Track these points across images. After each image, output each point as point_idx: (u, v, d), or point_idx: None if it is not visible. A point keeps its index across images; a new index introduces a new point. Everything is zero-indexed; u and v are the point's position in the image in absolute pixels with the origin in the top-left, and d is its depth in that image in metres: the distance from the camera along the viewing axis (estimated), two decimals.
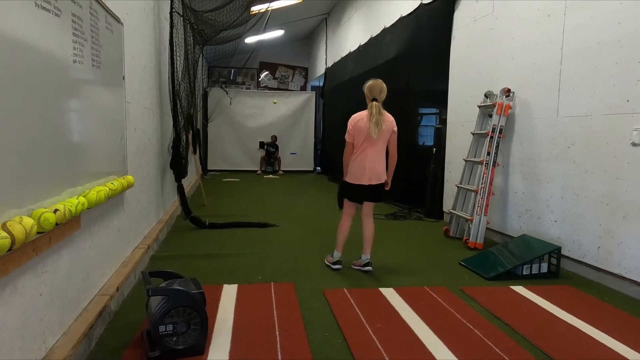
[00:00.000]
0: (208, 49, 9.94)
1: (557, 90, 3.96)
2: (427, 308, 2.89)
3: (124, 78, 3.15)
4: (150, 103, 4.35)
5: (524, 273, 3.60)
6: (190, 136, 6.39)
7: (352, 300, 2.98)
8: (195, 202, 6.72)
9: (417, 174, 6.52)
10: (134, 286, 3.19)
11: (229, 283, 3.28)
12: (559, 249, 3.66)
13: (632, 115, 3.24)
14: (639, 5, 3.19)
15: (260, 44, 11.92)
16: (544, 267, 3.64)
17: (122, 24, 3.10)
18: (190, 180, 8.00)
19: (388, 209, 6.63)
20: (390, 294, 3.14)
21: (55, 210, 1.82)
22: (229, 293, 3.08)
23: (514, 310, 2.90)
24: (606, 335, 2.55)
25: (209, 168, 12.34)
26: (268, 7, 7.69)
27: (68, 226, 2.10)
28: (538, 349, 2.38)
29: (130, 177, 3.14)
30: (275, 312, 2.78)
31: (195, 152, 7.62)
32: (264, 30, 10.36)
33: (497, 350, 2.34)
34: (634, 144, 3.23)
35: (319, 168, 13.36)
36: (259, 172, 12.52)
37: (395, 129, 3.65)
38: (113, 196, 2.67)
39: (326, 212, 6.62)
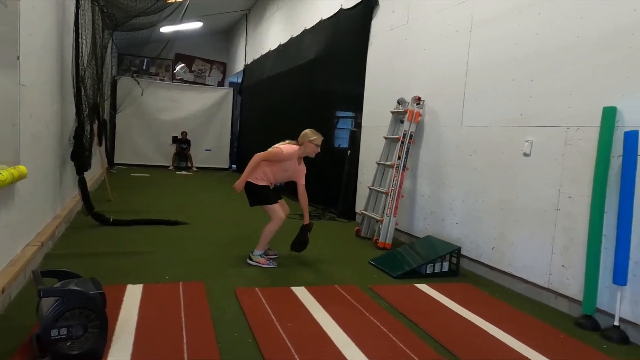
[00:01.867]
0: (119, 35, 9.35)
1: (462, 101, 4.25)
2: (337, 306, 2.95)
3: (18, 58, 2.86)
4: (50, 88, 3.99)
5: (428, 272, 3.81)
6: (95, 126, 5.97)
7: (263, 299, 2.96)
8: (99, 197, 6.28)
9: (332, 175, 6.66)
10: (23, 287, 2.90)
11: (134, 283, 3.11)
12: (458, 249, 3.93)
13: (525, 128, 3.57)
14: (533, 29, 3.52)
15: (176, 34, 11.46)
16: (446, 266, 3.89)
17: None
18: (95, 174, 7.46)
19: None
20: (301, 292, 3.16)
21: None
22: (133, 293, 2.91)
23: (418, 308, 3.06)
24: (497, 329, 2.77)
25: (116, 161, 11.60)
26: None
27: None
28: (438, 343, 2.53)
29: (22, 168, 2.85)
30: (183, 312, 2.67)
31: (100, 144, 7.14)
32: (181, 21, 9.97)
33: (401, 345, 2.45)
34: (525, 154, 3.56)
35: (234, 166, 13.13)
36: (171, 167, 12.02)
37: None
38: (1, 187, 2.41)
39: (240, 210, 6.52)
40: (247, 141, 12.04)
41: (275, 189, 4.01)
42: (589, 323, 2.90)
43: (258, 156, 3.74)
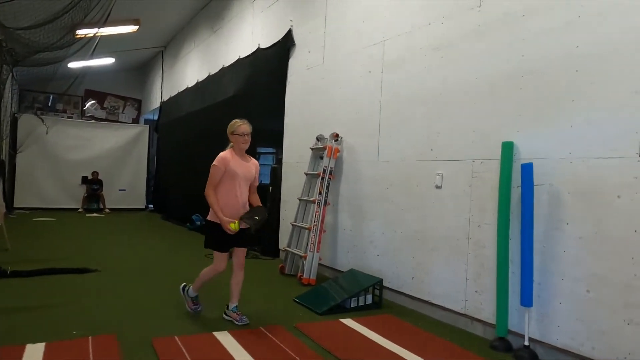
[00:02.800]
0: (20, 70, 8.74)
1: (377, 137, 4.44)
2: (262, 349, 2.86)
3: None
4: None
5: (352, 305, 3.84)
6: None
7: (183, 349, 2.80)
8: None
9: None
10: None
11: (35, 342, 2.79)
12: (380, 281, 4.01)
13: (435, 162, 3.80)
14: (438, 71, 3.81)
15: (87, 70, 10.94)
16: (369, 299, 3.94)
17: None
18: None
19: None
20: (225, 338, 3.03)
21: None
22: (34, 354, 2.62)
23: (343, 343, 3.05)
24: (419, 357, 2.83)
25: (15, 206, 10.60)
26: (97, 32, 7.14)
27: None
28: None
29: None
30: None
31: None
32: (92, 56, 9.54)
33: None
34: (437, 187, 3.76)
35: (151, 206, 12.55)
36: (80, 210, 11.21)
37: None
38: None
39: (159, 254, 6.21)
40: (165, 180, 11.60)
41: (236, 236, 3.29)
42: (502, 345, 3.06)
43: (208, 186, 3.31)
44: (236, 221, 3.17)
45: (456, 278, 3.55)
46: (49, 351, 2.68)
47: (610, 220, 2.63)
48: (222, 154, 3.38)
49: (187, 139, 9.70)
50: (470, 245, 3.46)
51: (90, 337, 2.92)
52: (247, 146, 3.43)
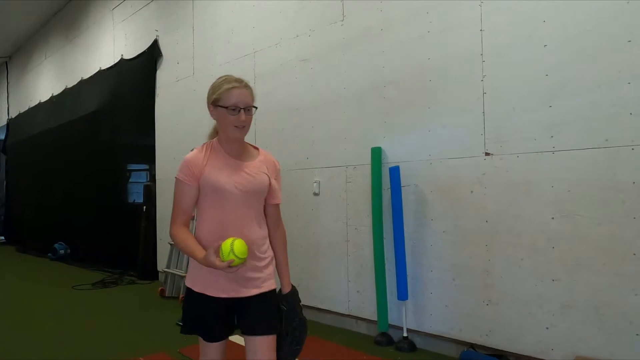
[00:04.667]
0: None
1: None
2: None
3: None
4: None
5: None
6: None
7: None
8: None
9: (128, 234, 6.12)
10: None
11: None
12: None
13: (312, 170, 3.90)
14: (308, 82, 3.92)
15: None
16: None
17: None
18: None
19: (96, 276, 5.94)
20: None
21: None
22: None
23: None
24: None
25: None
26: None
27: None
28: None
29: None
30: None
31: None
32: None
33: None
34: (315, 194, 3.87)
35: (2, 237, 10.98)
36: None
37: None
38: None
39: (16, 292, 5.44)
40: (18, 207, 10.25)
41: (244, 306, 1.72)
42: (385, 339, 3.24)
43: (172, 221, 1.72)
44: (233, 247, 1.50)
45: (339, 280, 3.67)
46: None
47: (467, 214, 2.93)
48: (189, 154, 1.78)
49: (44, 159, 8.70)
50: (349, 247, 3.60)
51: None
52: (245, 132, 1.80)
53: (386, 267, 3.29)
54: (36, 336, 3.62)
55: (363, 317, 3.50)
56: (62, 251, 7.60)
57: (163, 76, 5.66)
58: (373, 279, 3.36)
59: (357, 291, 3.54)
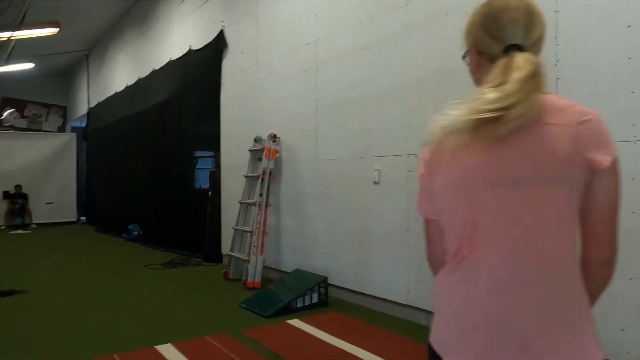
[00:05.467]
0: None
1: (315, 136, 4.46)
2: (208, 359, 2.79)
3: None
4: None
5: (298, 305, 3.83)
6: None
7: None
8: None
9: (195, 219, 6.41)
10: None
11: None
12: (325, 279, 4.04)
13: (373, 158, 3.87)
14: (369, 69, 3.88)
15: (3, 76, 10.17)
16: (315, 298, 3.95)
17: None
18: None
19: (165, 257, 6.29)
20: (168, 350, 2.93)
21: None
22: None
23: (291, 345, 3.05)
24: (365, 351, 2.88)
25: None
26: (11, 36, 6.64)
27: None
28: None
29: None
30: None
31: None
32: (7, 62, 8.88)
33: None
34: (375, 183, 3.84)
35: (84, 218, 11.88)
36: (2, 227, 10.42)
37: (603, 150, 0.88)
38: None
39: (95, 267, 5.89)
40: (97, 190, 11.04)
41: None
42: None
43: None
44: None
45: (398, 270, 3.64)
46: None
47: None
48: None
49: (120, 146, 9.29)
50: (410, 237, 3.56)
51: None
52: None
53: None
54: (111, 309, 3.91)
55: (423, 307, 3.46)
56: (135, 232, 8.12)
57: (228, 66, 5.82)
58: None
59: (417, 282, 3.49)
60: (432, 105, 3.39)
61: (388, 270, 3.72)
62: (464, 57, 1.05)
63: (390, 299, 3.70)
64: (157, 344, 3.03)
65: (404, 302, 3.59)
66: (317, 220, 4.44)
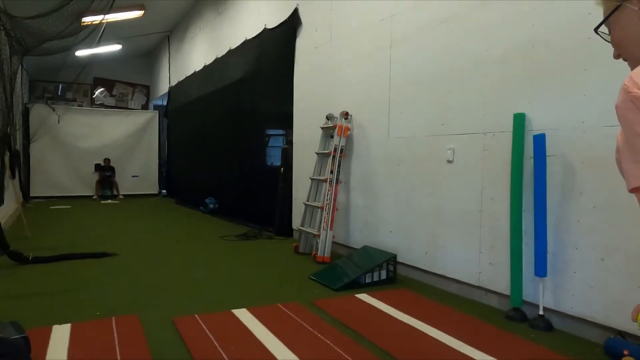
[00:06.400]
0: (30, 61, 8.79)
1: (387, 113, 4.43)
2: (280, 325, 2.93)
3: None
4: None
5: (367, 281, 3.89)
6: (7, 158, 5.54)
7: (204, 326, 2.87)
8: (14, 234, 5.80)
9: (267, 194, 6.63)
10: None
11: (61, 323, 2.89)
12: (394, 256, 4.05)
13: (446, 137, 3.79)
14: (447, 45, 3.77)
15: (94, 58, 10.98)
16: (383, 274, 3.99)
17: None
18: (8, 209, 6.89)
19: (239, 230, 6.59)
20: (243, 314, 3.10)
21: None
22: (61, 335, 2.71)
23: (360, 317, 3.11)
24: (435, 330, 2.88)
25: (32, 195, 10.79)
26: (102, 19, 7.13)
27: None
28: (381, 349, 2.58)
29: None
30: (117, 349, 2.53)
31: (13, 177, 6.62)
32: (99, 44, 9.57)
33: (345, 356, 2.48)
34: (448, 161, 3.76)
35: (164, 191, 12.69)
36: (95, 197, 11.39)
37: None
38: None
39: (175, 236, 6.31)
40: (177, 164, 11.71)
41: None
42: (517, 315, 3.10)
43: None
44: None
45: (469, 251, 3.57)
46: (75, 331, 2.77)
47: (624, 189, 2.61)
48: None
49: (197, 123, 9.75)
50: (483, 218, 3.47)
51: (113, 318, 3.01)
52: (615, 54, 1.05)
53: (523, 240, 3.11)
54: (190, 274, 4.19)
55: (494, 290, 3.38)
56: (211, 206, 8.55)
57: (302, 44, 5.88)
58: (508, 252, 3.20)
59: (490, 263, 3.41)
60: (514, 82, 3.24)
61: (459, 251, 3.66)
62: (602, 24, 0.86)
63: (461, 280, 3.65)
64: (233, 308, 3.22)
65: (475, 284, 3.53)
66: (387, 198, 4.44)
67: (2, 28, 5.21)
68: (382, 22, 4.47)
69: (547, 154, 2.95)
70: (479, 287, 3.51)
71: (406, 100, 4.21)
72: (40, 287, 3.75)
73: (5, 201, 5.10)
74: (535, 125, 3.09)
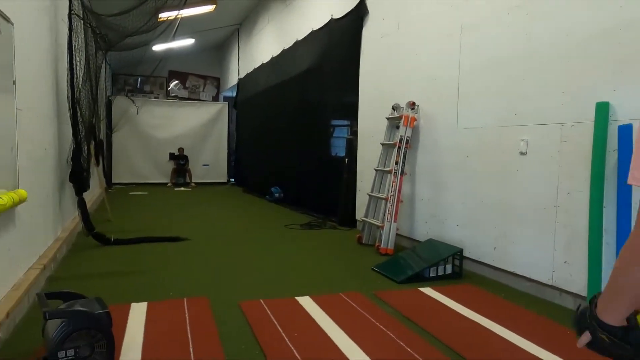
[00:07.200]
0: (112, 55, 9.41)
1: (456, 103, 4.28)
2: (342, 314, 2.95)
3: (14, 83, 2.88)
4: (47, 111, 4.01)
5: (431, 275, 3.81)
6: (92, 147, 5.98)
7: (268, 311, 2.96)
8: (98, 217, 6.28)
9: (331, 184, 6.67)
10: (28, 311, 2.89)
11: (138, 301, 3.10)
12: (461, 251, 3.93)
13: (520, 127, 3.60)
14: (522, 29, 3.56)
15: (169, 52, 11.53)
16: (449, 269, 3.89)
17: (12, 24, 2.84)
18: (93, 195, 7.46)
19: (303, 219, 6.69)
20: (306, 302, 3.16)
21: None
22: (138, 312, 2.91)
23: (423, 311, 3.06)
24: (503, 328, 2.77)
25: (114, 181, 11.61)
26: (177, 14, 7.46)
27: None
28: (444, 344, 2.53)
29: (22, 191, 2.86)
30: (188, 328, 2.67)
31: (98, 164, 7.15)
32: (173, 38, 10.04)
33: (408, 349, 2.45)
34: (521, 153, 3.58)
35: (233, 180, 13.15)
36: (169, 184, 12.03)
37: None
38: (2, 212, 2.42)
39: (242, 224, 6.53)
40: (244, 154, 12.08)
41: None
42: None
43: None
44: None
45: (543, 248, 3.39)
46: (150, 309, 2.96)
47: None
48: None
49: (264, 114, 9.98)
50: (558, 214, 3.27)
51: (185, 299, 3.17)
52: None
53: (604, 239, 2.90)
54: (256, 260, 4.32)
55: (570, 290, 3.18)
56: (277, 194, 8.75)
57: (368, 33, 5.82)
58: (585, 250, 3.00)
59: (565, 262, 3.22)
60: (597, 68, 3.01)
61: (531, 247, 3.49)
62: None
63: (533, 278, 3.48)
64: (297, 295, 3.29)
65: (548, 283, 3.34)
66: (454, 190, 4.31)
67: (88, 26, 5.60)
68: (452, 8, 4.31)
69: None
70: (552, 287, 3.33)
71: (477, 89, 4.04)
72: (120, 267, 4.03)
73: (90, 187, 5.52)
74: (621, 115, 2.86)
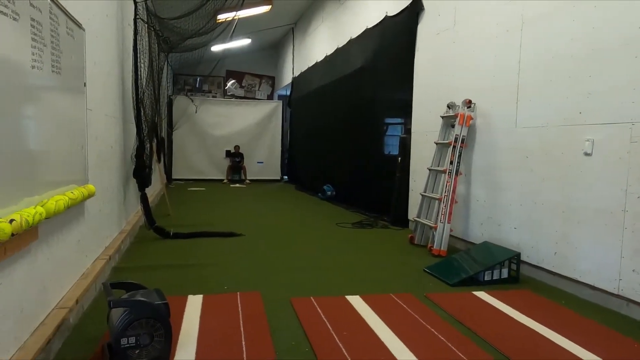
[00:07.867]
0: (173, 57, 9.81)
1: (515, 101, 4.12)
2: (392, 314, 2.93)
3: (85, 85, 3.08)
4: (113, 111, 4.26)
5: (486, 279, 3.69)
6: (154, 144, 6.28)
7: (318, 309, 2.99)
8: (159, 211, 6.58)
9: (383, 183, 6.62)
10: (94, 299, 3.09)
11: (194, 294, 3.23)
12: (518, 254, 3.78)
13: (584, 126, 3.41)
14: (589, 23, 3.37)
15: (226, 52, 11.87)
16: (505, 273, 3.75)
17: (84, 30, 3.04)
18: (155, 190, 7.83)
19: (355, 217, 6.69)
20: (356, 301, 3.16)
21: (11, 220, 1.75)
22: (194, 304, 3.03)
23: (476, 315, 2.98)
24: (562, 337, 2.64)
25: (173, 177, 12.12)
26: (235, 15, 7.67)
27: (24, 237, 2.02)
28: (498, 351, 2.45)
29: (91, 186, 3.06)
30: (241, 322, 2.75)
31: (159, 161, 7.49)
32: (231, 39, 10.32)
33: (459, 353, 2.39)
34: (586, 154, 3.39)
35: (286, 177, 13.35)
36: (225, 181, 12.40)
37: None
38: (73, 206, 2.60)
39: (294, 221, 6.62)
40: (298, 152, 12.22)
41: None
42: None
43: None
44: None
45: (608, 255, 3.19)
46: (206, 302, 3.07)
47: None
48: None
49: (317, 112, 10.05)
50: (627, 218, 3.07)
51: (238, 293, 3.27)
52: None
53: None
54: (308, 257, 4.36)
55: (639, 301, 2.99)
56: (329, 192, 8.79)
57: (423, 30, 5.71)
58: None
59: (633, 270, 3.02)
60: None
61: (595, 253, 3.30)
62: None
63: (597, 286, 3.29)
64: (347, 294, 3.30)
65: (614, 292, 3.15)
66: (512, 191, 4.16)
67: (152, 29, 5.88)
68: (512, 1, 4.14)
69: None
70: (618, 296, 3.13)
71: (537, 86, 3.87)
72: (178, 260, 4.21)
73: (152, 182, 5.81)
74: None
